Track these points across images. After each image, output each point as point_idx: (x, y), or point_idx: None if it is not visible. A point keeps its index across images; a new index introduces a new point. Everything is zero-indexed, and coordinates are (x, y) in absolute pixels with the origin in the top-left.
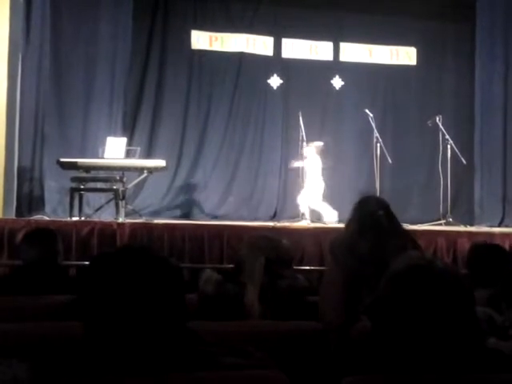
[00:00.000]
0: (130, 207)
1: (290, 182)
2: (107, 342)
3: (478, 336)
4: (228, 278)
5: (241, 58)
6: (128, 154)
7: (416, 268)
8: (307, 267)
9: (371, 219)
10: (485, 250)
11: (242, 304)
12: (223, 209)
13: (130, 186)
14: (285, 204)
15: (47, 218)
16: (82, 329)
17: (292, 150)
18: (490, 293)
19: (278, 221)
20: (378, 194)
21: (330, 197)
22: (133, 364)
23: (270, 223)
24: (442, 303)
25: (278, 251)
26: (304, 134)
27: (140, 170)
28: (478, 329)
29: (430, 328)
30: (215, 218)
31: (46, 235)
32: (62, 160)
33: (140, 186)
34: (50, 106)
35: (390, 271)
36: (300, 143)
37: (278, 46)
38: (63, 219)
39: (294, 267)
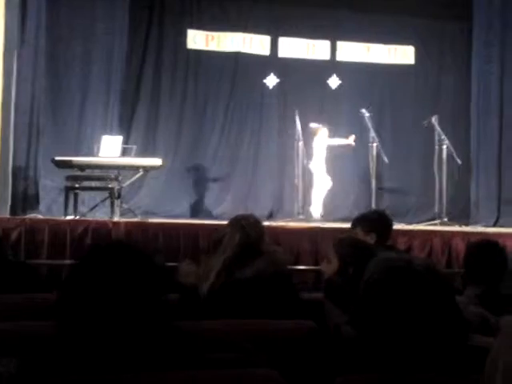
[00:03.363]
0: (125, 206)
1: (287, 181)
2: (88, 340)
3: (461, 333)
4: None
5: (237, 58)
6: (124, 153)
7: (393, 270)
8: (303, 267)
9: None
10: (480, 247)
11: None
12: (219, 208)
13: (125, 184)
14: (281, 203)
15: (41, 217)
16: (56, 327)
17: (288, 149)
18: (480, 290)
19: (274, 220)
20: (373, 191)
21: (326, 196)
22: (117, 362)
23: (266, 222)
24: (422, 303)
25: (257, 230)
26: (300, 133)
27: (136, 168)
28: (461, 325)
29: (413, 329)
30: (211, 217)
31: None
32: (57, 158)
33: (137, 185)
34: (46, 104)
35: (367, 277)
36: (296, 143)
37: (274, 45)
38: (58, 218)
39: (290, 267)
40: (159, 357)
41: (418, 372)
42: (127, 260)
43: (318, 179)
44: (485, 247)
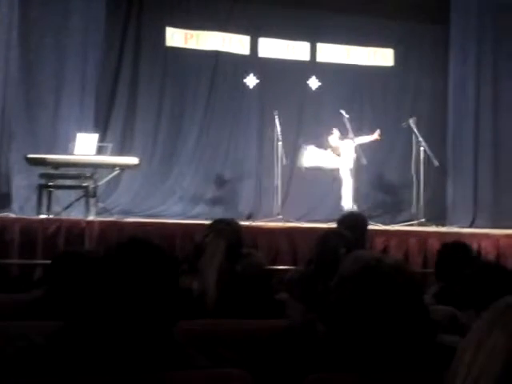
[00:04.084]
0: (101, 205)
1: (266, 181)
2: (97, 338)
3: (429, 332)
4: (182, 264)
5: (217, 57)
6: (99, 151)
7: (365, 269)
8: (281, 267)
9: (331, 258)
10: (444, 248)
11: (199, 296)
12: (198, 208)
13: (100, 183)
14: (260, 203)
15: (13, 216)
16: (53, 326)
17: (267, 149)
18: (438, 288)
19: (253, 220)
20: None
21: (305, 197)
22: (113, 362)
23: (245, 222)
24: (392, 302)
25: (238, 234)
26: (280, 133)
27: (112, 167)
28: (429, 324)
29: (382, 327)
30: (189, 217)
31: None
32: (30, 156)
33: (114, 184)
34: (18, 100)
35: (339, 274)
36: (275, 143)
37: (254, 45)
38: (29, 217)
39: (268, 267)
40: (148, 360)
41: (386, 369)
42: (150, 259)
43: (345, 180)
44: (447, 248)
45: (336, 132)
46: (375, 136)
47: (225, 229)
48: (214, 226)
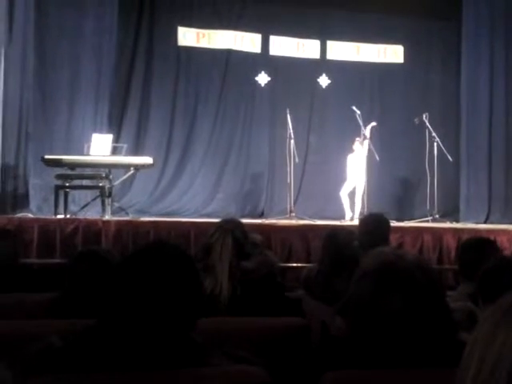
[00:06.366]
0: (116, 205)
1: (278, 179)
2: (123, 336)
3: (449, 329)
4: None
5: (228, 55)
6: (114, 151)
7: (385, 264)
8: (294, 264)
9: (346, 252)
10: (474, 244)
11: (210, 293)
12: (211, 206)
13: (116, 183)
14: (273, 201)
15: (32, 216)
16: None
17: (279, 147)
18: (473, 289)
19: (266, 218)
20: (365, 194)
21: (317, 194)
22: (132, 360)
23: (258, 220)
24: (412, 298)
25: (242, 230)
26: (291, 131)
27: (126, 167)
28: (449, 321)
29: (402, 324)
30: (203, 215)
31: (4, 235)
32: (47, 157)
33: (128, 184)
34: (35, 103)
35: (360, 269)
36: (288, 140)
37: (265, 44)
38: (48, 217)
39: (282, 264)
40: (166, 357)
41: (405, 367)
42: (172, 261)
43: (358, 186)
44: (479, 244)
45: (357, 144)
46: (372, 124)
47: (230, 227)
48: (220, 225)
